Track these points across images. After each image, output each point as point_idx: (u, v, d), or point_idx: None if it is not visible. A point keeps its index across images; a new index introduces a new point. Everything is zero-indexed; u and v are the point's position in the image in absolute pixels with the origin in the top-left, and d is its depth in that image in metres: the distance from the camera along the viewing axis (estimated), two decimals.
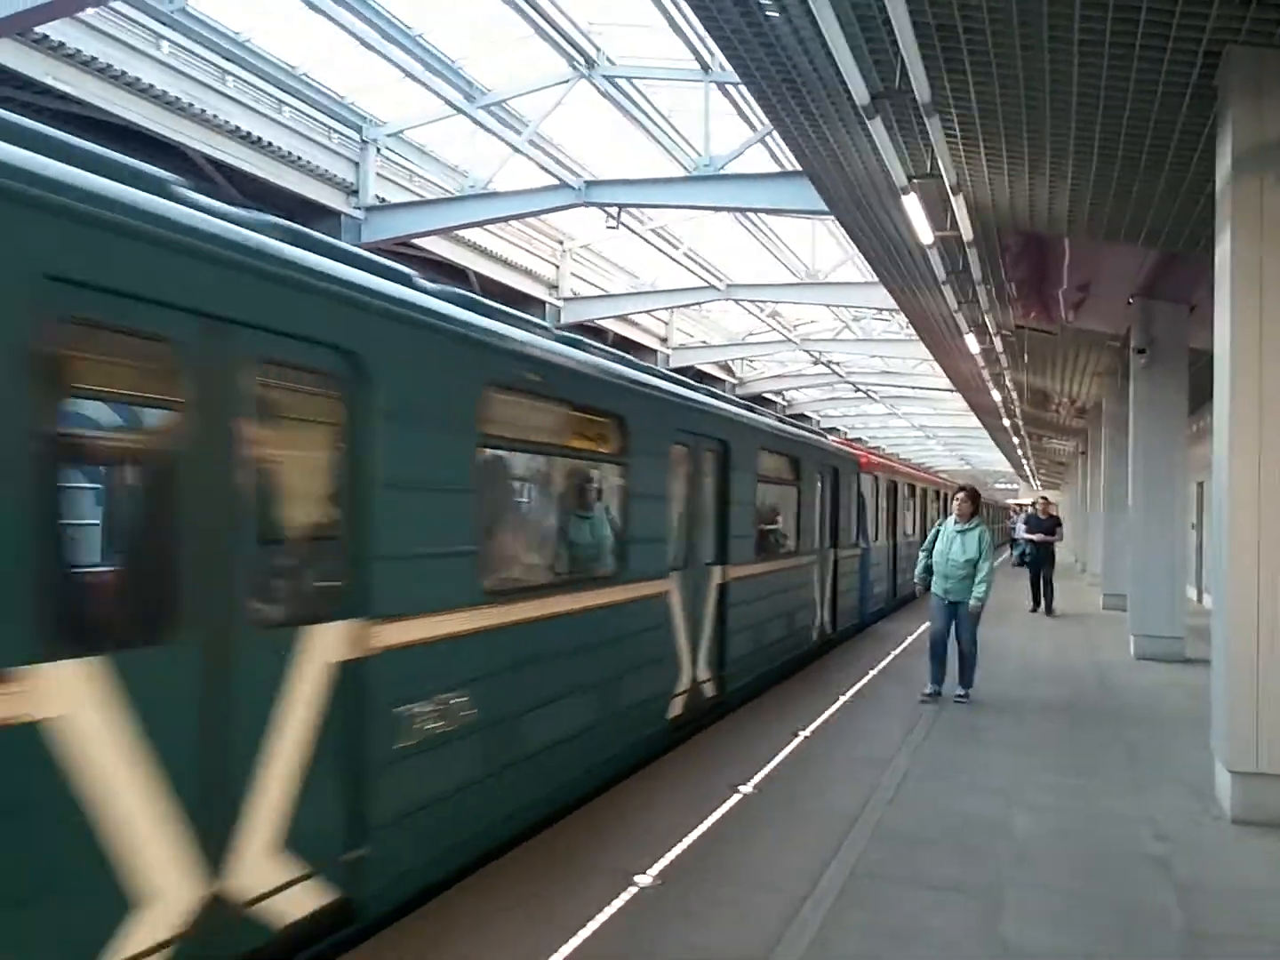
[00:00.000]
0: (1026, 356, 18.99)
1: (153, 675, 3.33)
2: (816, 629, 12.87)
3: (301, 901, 3.94)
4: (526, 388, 5.76)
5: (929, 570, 10.16)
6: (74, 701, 3.01)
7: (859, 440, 46.06)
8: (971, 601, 9.75)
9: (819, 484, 12.80)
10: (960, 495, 10.15)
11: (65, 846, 3.03)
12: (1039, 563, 18.81)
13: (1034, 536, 18.90)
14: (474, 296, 5.78)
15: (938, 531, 10.22)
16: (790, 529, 11.62)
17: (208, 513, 3.57)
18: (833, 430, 41.25)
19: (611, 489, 7.07)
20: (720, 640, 8.88)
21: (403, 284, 4.86)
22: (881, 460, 19.86)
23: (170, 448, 3.64)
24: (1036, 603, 18.61)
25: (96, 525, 3.86)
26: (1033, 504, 21.29)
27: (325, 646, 4.07)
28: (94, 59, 11.31)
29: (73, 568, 3.38)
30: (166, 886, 3.34)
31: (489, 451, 5.48)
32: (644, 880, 4.99)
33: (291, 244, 4.14)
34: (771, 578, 10.55)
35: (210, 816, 3.53)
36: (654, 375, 8.16)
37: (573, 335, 7.11)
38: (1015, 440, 39.01)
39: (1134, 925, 4.76)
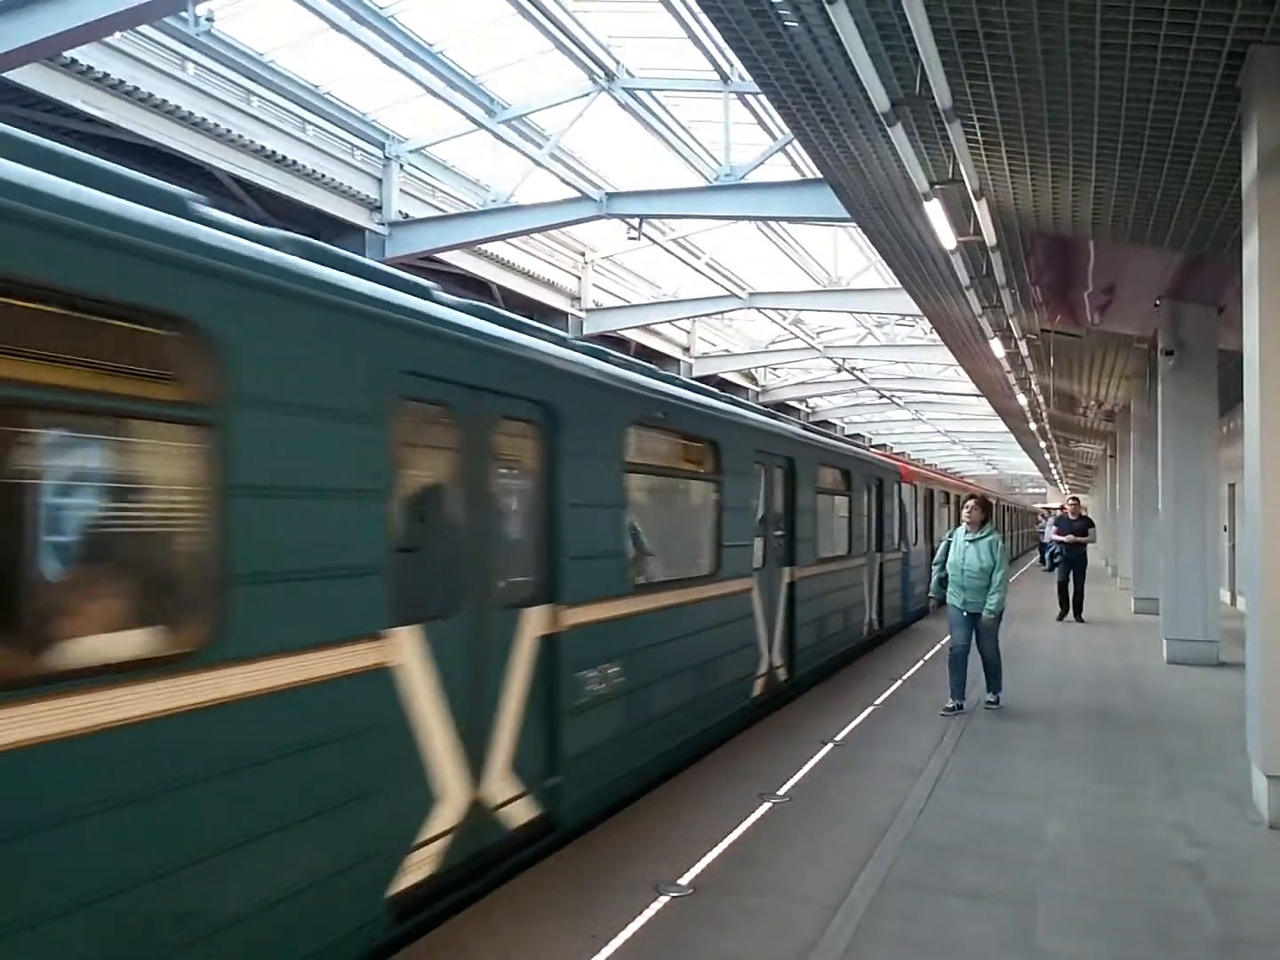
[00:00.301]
0: (1052, 360, 18.89)
1: (444, 638, 4.69)
2: (866, 624, 14.13)
3: (522, 812, 5.31)
4: (654, 424, 7.20)
5: (943, 584, 9.84)
6: (407, 654, 4.41)
7: (884, 446, 46.01)
8: (984, 613, 9.46)
9: (866, 494, 14.13)
10: (970, 503, 9.89)
11: (404, 749, 4.40)
12: (1069, 565, 18.13)
13: (1064, 538, 18.19)
14: (614, 354, 7.23)
15: (949, 542, 9.91)
16: (843, 535, 12.89)
17: (474, 531, 5.05)
18: (881, 445, 41.13)
19: (710, 502, 8.29)
20: (791, 631, 10.25)
21: (567, 346, 6.35)
22: (919, 470, 21.00)
23: (447, 485, 5.06)
24: (1065, 609, 17.91)
25: (418, 546, 4.94)
26: (1061, 505, 20.75)
27: (535, 624, 5.46)
28: (121, 82, 11.50)
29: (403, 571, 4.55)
30: (451, 789, 4.71)
31: (631, 475, 6.72)
32: (675, 890, 4.99)
33: (497, 322, 5.55)
34: (830, 578, 11.89)
35: (473, 741, 4.87)
36: (737, 405, 9.77)
37: (679, 377, 9.21)
38: (1042, 444, 38.76)
39: (1168, 932, 4.71)
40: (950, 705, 9.52)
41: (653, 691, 6.85)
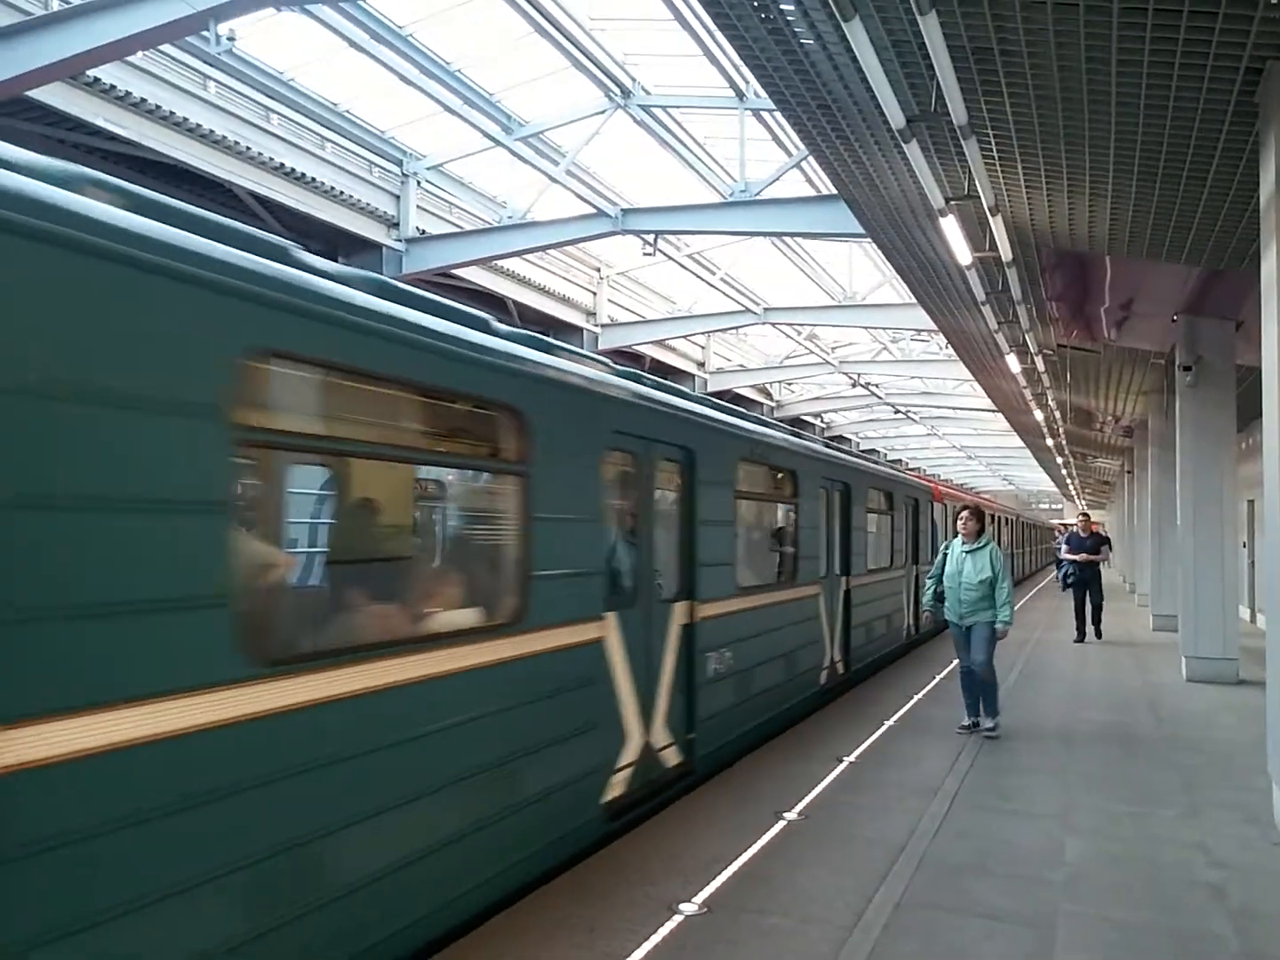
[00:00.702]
0: (1069, 375, 18.82)
1: (629, 622, 6.36)
2: (905, 629, 15.87)
3: (672, 757, 7.01)
4: (754, 458, 9.03)
5: (939, 598, 9.54)
6: (611, 631, 6.09)
7: (899, 462, 45.92)
8: (998, 625, 9.11)
9: (905, 512, 15.99)
10: (964, 514, 9.52)
11: (608, 701, 6.11)
12: (1083, 585, 17.19)
13: (1077, 557, 17.35)
14: (725, 404, 9.26)
15: (945, 555, 9.59)
16: (887, 549, 14.67)
17: (645, 543, 6.80)
18: (898, 461, 41.04)
19: (789, 521, 10.36)
20: (847, 631, 11.91)
21: (698, 402, 8.33)
22: (948, 490, 23.17)
23: (629, 510, 6.77)
24: (1082, 633, 17.00)
25: (614, 555, 6.55)
26: (1075, 522, 19.38)
27: (679, 615, 7.21)
28: (143, 100, 11.63)
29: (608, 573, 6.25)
30: (632, 733, 6.39)
31: (738, 500, 8.44)
32: (689, 909, 4.97)
33: (651, 385, 7.34)
34: (877, 586, 13.63)
35: (645, 699, 6.56)
36: (808, 439, 12.04)
37: (767, 419, 11.91)
38: (1059, 460, 38.60)
39: (1189, 954, 4.66)
40: (965, 723, 9.43)
41: (752, 673, 8.59)
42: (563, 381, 5.75)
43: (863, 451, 33.66)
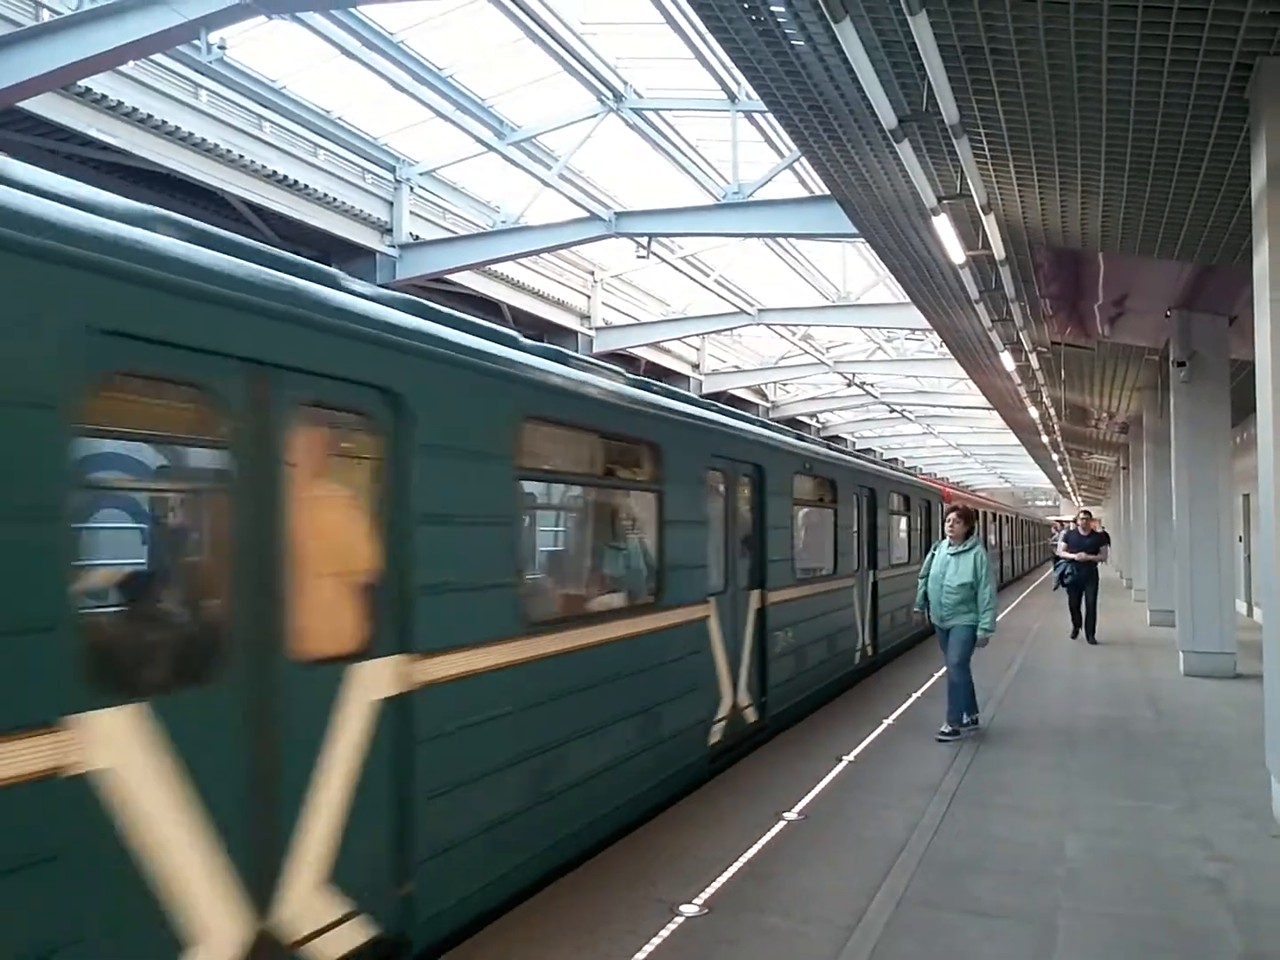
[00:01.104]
0: (1063, 372, 18.85)
1: (722, 605, 8.02)
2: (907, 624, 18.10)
3: (752, 716, 8.77)
4: (804, 472, 10.80)
5: (929, 599, 9.41)
6: (712, 612, 7.81)
7: (895, 460, 45.97)
8: (979, 633, 8.96)
9: (920, 513, 18.07)
10: (951, 515, 9.45)
11: (710, 665, 7.78)
12: (1080, 584, 16.82)
13: (1074, 556, 16.86)
14: (784, 427, 11.78)
15: (932, 555, 9.53)
16: (904, 545, 16.44)
17: (732, 541, 8.46)
18: (894, 460, 41.07)
19: (829, 522, 12.01)
20: (875, 618, 13.56)
21: (765, 426, 10.70)
22: (956, 492, 25.26)
23: (720, 515, 8.29)
24: (1078, 626, 16.93)
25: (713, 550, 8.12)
26: (1074, 519, 18.74)
27: (754, 601, 8.81)
28: (135, 109, 11.63)
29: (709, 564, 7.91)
30: (725, 693, 8.08)
31: (794, 506, 10.25)
32: (690, 909, 4.97)
33: (726, 414, 9.38)
34: (898, 580, 14.90)
35: (732, 667, 8.27)
36: (845, 453, 14.96)
37: (811, 436, 14.93)
38: (1055, 457, 38.64)
39: (1191, 949, 4.67)
40: (946, 730, 9.15)
41: (806, 651, 10.22)
42: (683, 420, 7.56)
43: (860, 451, 33.71)
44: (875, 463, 18.83)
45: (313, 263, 4.40)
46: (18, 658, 2.81)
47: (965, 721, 9.30)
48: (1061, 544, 17.79)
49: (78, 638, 3.02)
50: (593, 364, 6.75)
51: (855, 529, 12.79)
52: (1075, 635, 16.92)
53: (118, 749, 3.05)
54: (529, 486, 6.26)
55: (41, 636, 2.87)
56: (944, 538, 9.56)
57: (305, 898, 3.74)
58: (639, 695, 6.53)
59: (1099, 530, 17.99)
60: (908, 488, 17.08)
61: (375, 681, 4.11)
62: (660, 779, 6.81)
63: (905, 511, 16.22)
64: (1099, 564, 17.20)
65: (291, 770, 3.72)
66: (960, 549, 9.19)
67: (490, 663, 4.85)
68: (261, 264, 3.85)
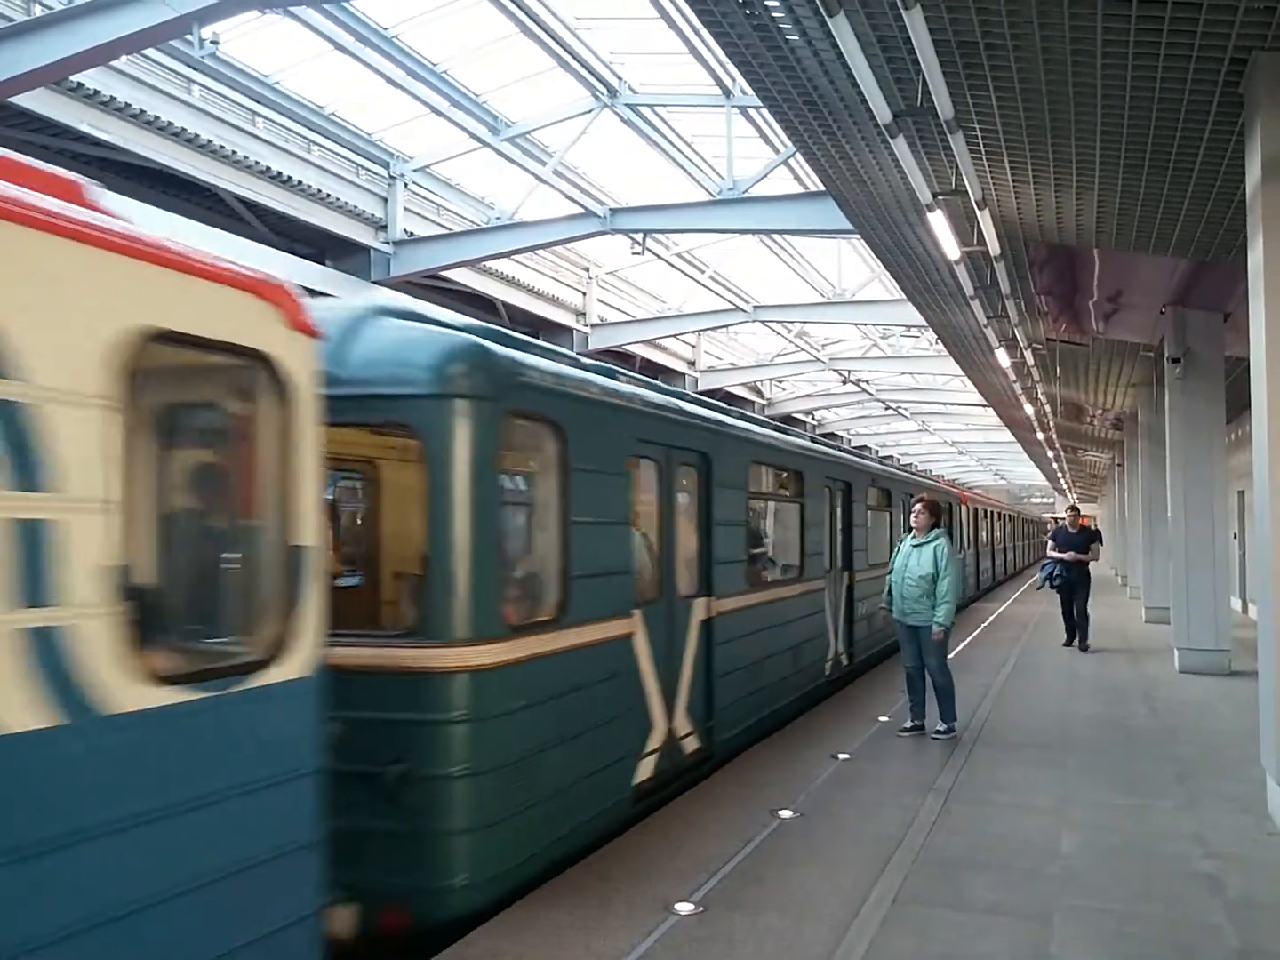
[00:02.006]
0: (1058, 369, 18.85)
1: (654, 620, 6.94)
2: None
3: (842, 663, 12.04)
4: (874, 485, 14.17)
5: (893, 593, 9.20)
6: (828, 585, 11.49)
7: (891, 458, 45.99)
8: (934, 626, 8.76)
9: (946, 514, 20.47)
10: (917, 506, 9.17)
11: (806, 628, 10.56)
12: (1071, 586, 15.43)
13: (1064, 555, 15.49)
14: (863, 453, 20.73)
15: (898, 548, 9.32)
16: (888, 543, 18.85)
17: (838, 537, 12.17)
18: (888, 458, 41.10)
19: (884, 523, 15.05)
20: (851, 624, 14.51)
21: (850, 453, 16.84)
22: (968, 495, 27.79)
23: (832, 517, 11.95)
24: (1071, 635, 15.56)
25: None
26: (1065, 515, 17.09)
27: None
28: (127, 105, 11.57)
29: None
30: (830, 646, 11.58)
31: (750, 501, 9.56)
32: (685, 907, 4.95)
33: (819, 443, 14.23)
34: (879, 582, 21.93)
35: (837, 626, 11.84)
36: (889, 466, 19.60)
37: (870, 452, 28.97)
38: (1050, 454, 38.67)
39: (1187, 946, 4.66)
40: (908, 725, 9.10)
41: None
42: (815, 455, 11.39)
43: (824, 435, 33.74)
44: (905, 470, 21.69)
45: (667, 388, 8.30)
46: (625, 587, 6.28)
47: (910, 725, 9.12)
48: (1050, 542, 16.36)
49: (630, 582, 6.38)
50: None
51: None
52: (1069, 642, 15.53)
53: (636, 627, 6.42)
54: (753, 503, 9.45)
55: (625, 578, 6.29)
56: (909, 530, 9.37)
57: (681, 717, 7.18)
58: (789, 636, 9.89)
59: (1092, 528, 17.09)
60: (891, 481, 16.60)
61: (700, 610, 7.62)
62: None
63: (888, 507, 15.65)
64: (1091, 563, 15.93)
65: (674, 648, 7.13)
66: (923, 541, 8.97)
67: (736, 605, 8.28)
68: (662, 393, 7.76)
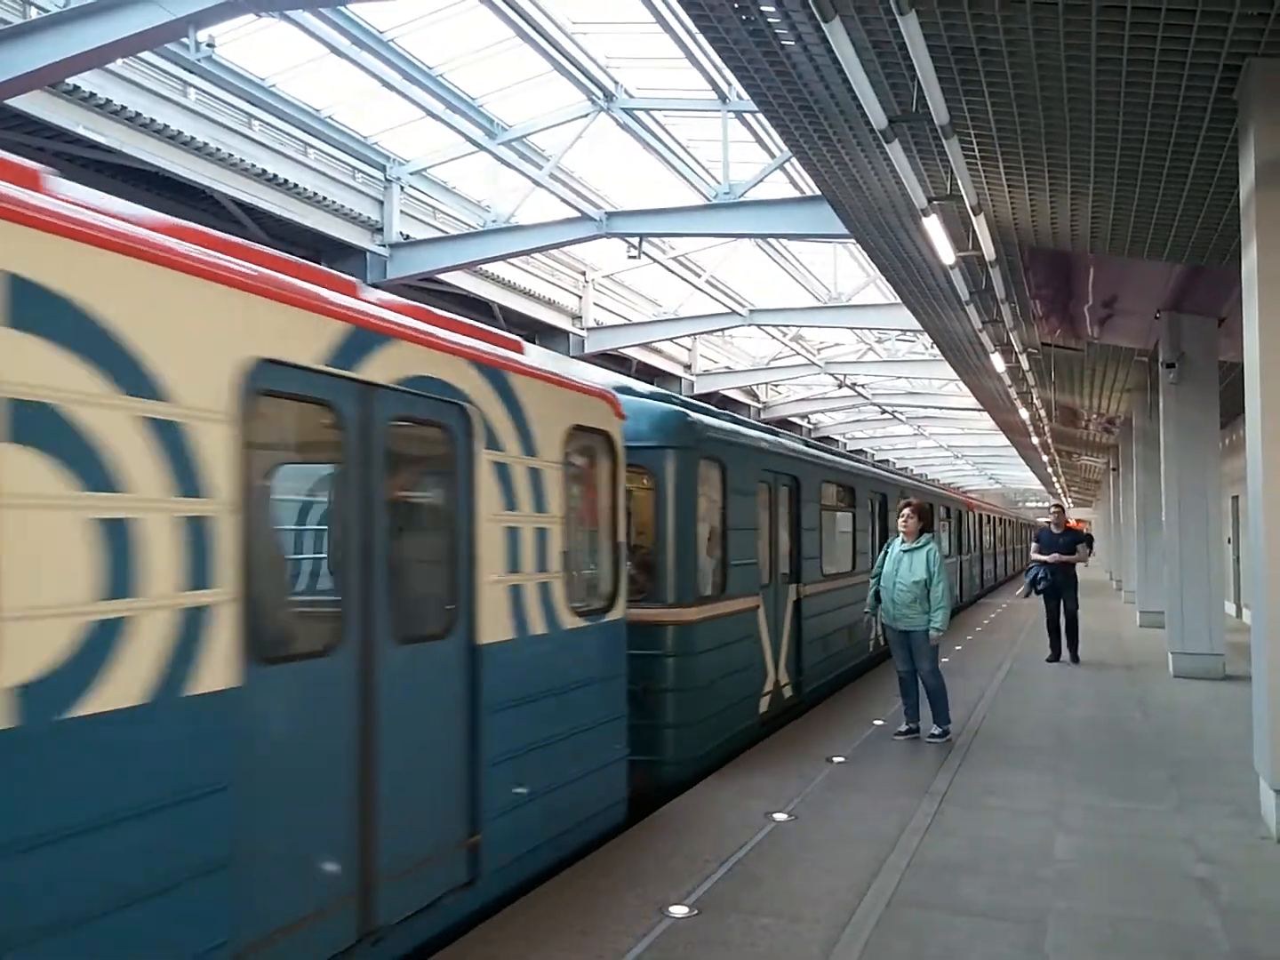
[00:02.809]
0: (1053, 374, 18.90)
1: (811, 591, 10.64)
2: (955, 596, 22.81)
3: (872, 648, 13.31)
4: (944, 508, 19.54)
5: (880, 598, 9.11)
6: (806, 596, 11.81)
7: (886, 462, 46.05)
8: (931, 632, 8.77)
9: (958, 519, 23.63)
10: (905, 511, 9.11)
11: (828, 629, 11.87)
12: (1056, 591, 14.18)
13: (1047, 558, 14.30)
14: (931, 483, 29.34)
15: (885, 554, 9.21)
16: (849, 550, 19.70)
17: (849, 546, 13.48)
18: (884, 462, 41.14)
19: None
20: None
21: (926, 484, 24.43)
22: (976, 502, 30.37)
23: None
24: (1056, 650, 14.39)
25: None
26: (1049, 515, 15.44)
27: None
28: (123, 107, 11.57)
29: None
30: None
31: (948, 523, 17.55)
32: (680, 910, 4.96)
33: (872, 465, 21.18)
34: (837, 595, 19.22)
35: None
36: (931, 485, 25.42)
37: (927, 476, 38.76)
38: (1045, 458, 38.74)
39: (1180, 950, 4.66)
40: (902, 729, 9.11)
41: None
42: (869, 475, 13.82)
43: (819, 439, 33.90)
44: (929, 483, 26.31)
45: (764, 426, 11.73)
46: (754, 575, 8.95)
47: (904, 729, 9.13)
48: (1033, 545, 15.13)
49: (757, 571, 9.07)
50: None
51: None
52: (1054, 658, 14.35)
53: (760, 603, 9.10)
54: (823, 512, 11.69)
55: (755, 568, 8.98)
56: (897, 535, 9.28)
57: (783, 671, 9.73)
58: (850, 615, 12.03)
59: (1085, 531, 16.70)
60: (953, 502, 19.57)
61: (793, 593, 10.16)
62: None
63: (947, 518, 17.40)
64: (1079, 566, 14.90)
65: (778, 619, 9.70)
66: (913, 546, 8.94)
67: (815, 590, 10.85)
68: (768, 433, 11.09)
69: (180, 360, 3.28)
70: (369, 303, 4.40)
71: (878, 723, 9.69)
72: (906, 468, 49.30)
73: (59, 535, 2.89)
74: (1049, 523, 14.93)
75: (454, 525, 4.77)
